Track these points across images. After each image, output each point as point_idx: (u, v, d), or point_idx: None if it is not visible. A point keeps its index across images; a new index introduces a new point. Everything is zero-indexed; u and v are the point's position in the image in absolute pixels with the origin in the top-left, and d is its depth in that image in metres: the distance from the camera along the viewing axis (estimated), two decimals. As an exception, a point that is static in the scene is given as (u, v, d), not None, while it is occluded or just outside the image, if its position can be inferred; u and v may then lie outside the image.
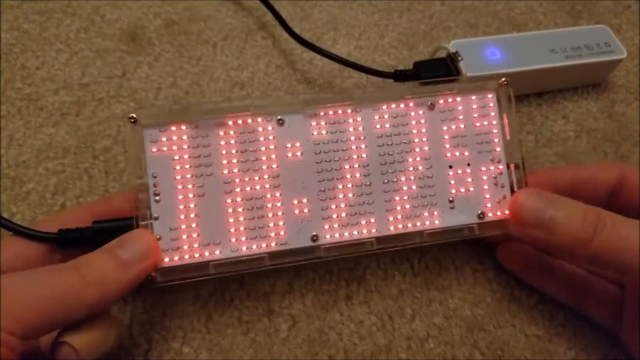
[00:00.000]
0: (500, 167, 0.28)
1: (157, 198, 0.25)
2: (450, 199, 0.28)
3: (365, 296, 0.30)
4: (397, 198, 0.27)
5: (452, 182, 0.28)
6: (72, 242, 0.25)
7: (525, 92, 0.38)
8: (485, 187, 0.28)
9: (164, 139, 0.26)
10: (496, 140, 0.28)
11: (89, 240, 0.25)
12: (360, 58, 0.40)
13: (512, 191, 0.28)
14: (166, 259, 0.25)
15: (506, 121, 0.28)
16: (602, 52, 0.37)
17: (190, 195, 0.26)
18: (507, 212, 0.28)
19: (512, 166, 0.28)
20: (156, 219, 0.25)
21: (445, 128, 0.28)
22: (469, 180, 0.28)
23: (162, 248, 0.25)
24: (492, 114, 0.28)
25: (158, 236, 0.25)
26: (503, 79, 0.28)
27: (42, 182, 0.32)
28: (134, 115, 0.25)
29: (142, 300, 0.29)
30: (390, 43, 0.41)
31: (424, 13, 0.43)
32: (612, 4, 0.45)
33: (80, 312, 0.21)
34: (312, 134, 0.27)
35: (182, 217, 0.26)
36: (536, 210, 0.25)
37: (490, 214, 0.28)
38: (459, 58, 0.34)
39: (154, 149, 0.26)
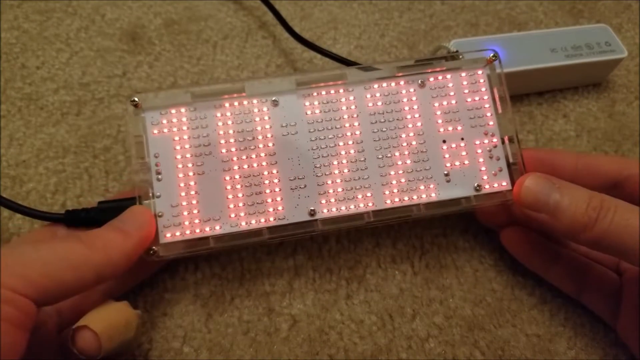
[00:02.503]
0: (495, 140, 0.28)
1: (159, 177, 0.27)
2: (446, 172, 0.28)
3: (366, 295, 0.30)
4: (392, 173, 0.28)
5: (447, 156, 0.28)
6: (79, 222, 0.27)
7: (526, 92, 0.38)
8: (481, 160, 0.28)
9: (164, 121, 0.27)
10: (488, 114, 0.29)
11: (95, 219, 0.26)
12: (360, 57, 0.40)
13: (508, 164, 0.28)
14: (168, 235, 0.26)
15: (497, 95, 0.29)
16: (603, 51, 0.37)
17: (190, 174, 0.27)
18: (504, 184, 0.28)
19: (506, 139, 0.28)
20: (158, 197, 0.27)
21: (437, 104, 0.29)
22: (464, 154, 0.28)
23: (164, 224, 0.26)
24: (483, 89, 0.29)
25: (160, 213, 0.26)
26: (491, 54, 0.29)
27: (42, 181, 0.32)
28: (136, 99, 0.27)
29: (143, 299, 0.29)
30: (390, 42, 0.41)
31: (424, 12, 0.43)
32: (612, 3, 0.44)
33: (89, 275, 0.21)
34: (306, 114, 0.28)
35: (183, 194, 0.27)
36: (541, 194, 0.25)
37: (487, 186, 0.28)
38: (460, 57, 0.34)
39: (155, 131, 0.27)
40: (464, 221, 0.33)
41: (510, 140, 0.28)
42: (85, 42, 0.38)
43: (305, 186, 0.27)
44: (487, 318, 0.30)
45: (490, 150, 0.28)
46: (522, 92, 0.38)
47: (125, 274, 0.24)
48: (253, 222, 0.27)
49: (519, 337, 0.29)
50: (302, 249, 0.31)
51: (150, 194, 0.26)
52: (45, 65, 0.37)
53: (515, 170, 0.28)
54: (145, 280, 0.29)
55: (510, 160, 0.28)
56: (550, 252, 0.30)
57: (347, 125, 0.28)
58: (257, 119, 0.28)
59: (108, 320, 0.23)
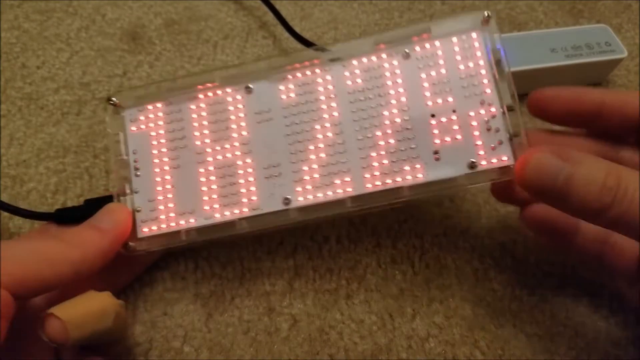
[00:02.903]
0: (493, 109, 0.25)
1: (138, 173, 0.27)
2: (435, 150, 0.25)
3: (366, 295, 0.30)
4: (373, 154, 0.26)
5: (436, 132, 0.26)
6: (68, 220, 0.28)
7: (526, 92, 0.38)
8: (476, 133, 0.25)
9: (142, 118, 0.28)
10: (485, 81, 0.25)
11: (83, 216, 0.27)
12: (360, 57, 0.40)
13: (509, 136, 0.25)
14: (145, 229, 0.26)
15: (493, 59, 0.26)
16: (603, 51, 0.37)
17: (166, 168, 0.27)
18: (504, 158, 0.25)
19: (505, 108, 0.25)
20: (136, 192, 0.27)
21: (424, 76, 0.26)
22: (456, 128, 0.25)
23: (142, 219, 0.27)
24: (478, 53, 0.26)
25: (138, 208, 0.27)
26: (486, 13, 0.26)
27: (42, 181, 0.32)
28: (114, 99, 0.27)
29: (143, 299, 0.29)
30: (390, 42, 0.41)
31: (424, 12, 0.43)
32: (612, 3, 0.44)
33: (67, 271, 0.22)
34: (281, 98, 0.27)
35: (159, 189, 0.27)
36: (548, 176, 0.22)
37: (483, 162, 0.25)
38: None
39: (134, 128, 0.28)
40: (464, 221, 0.33)
41: (510, 108, 0.25)
42: (86, 42, 0.39)
43: (280, 174, 0.26)
44: (487, 318, 0.30)
45: (487, 121, 0.25)
46: (522, 92, 0.38)
47: (117, 269, 0.25)
48: (227, 213, 0.26)
49: (520, 336, 0.29)
50: (302, 249, 0.31)
51: (129, 190, 0.27)
52: (46, 65, 0.37)
53: (517, 142, 0.25)
54: (145, 280, 0.29)
55: (511, 131, 0.25)
56: (572, 226, 0.28)
57: (323, 107, 0.26)
58: (231, 107, 0.27)
59: (79, 308, 0.23)
